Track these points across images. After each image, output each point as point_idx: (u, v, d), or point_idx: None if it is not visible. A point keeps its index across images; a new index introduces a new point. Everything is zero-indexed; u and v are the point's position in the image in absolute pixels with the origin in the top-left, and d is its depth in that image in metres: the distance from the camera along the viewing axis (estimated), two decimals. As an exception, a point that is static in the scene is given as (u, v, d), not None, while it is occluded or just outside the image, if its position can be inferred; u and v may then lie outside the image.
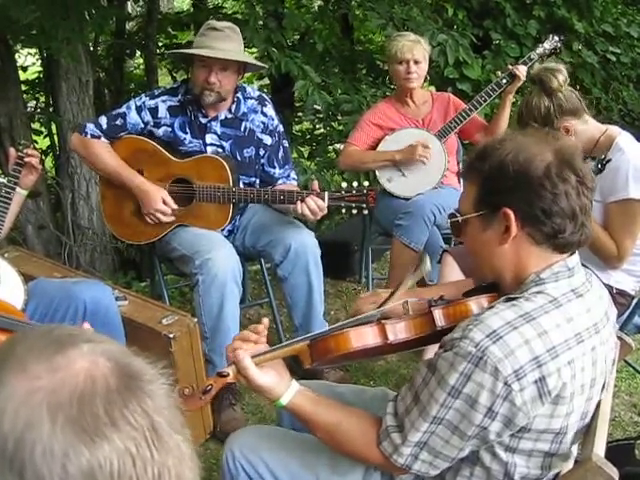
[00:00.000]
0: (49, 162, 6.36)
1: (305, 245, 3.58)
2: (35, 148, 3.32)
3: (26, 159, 3.09)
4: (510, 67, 4.30)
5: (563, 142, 1.78)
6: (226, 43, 3.49)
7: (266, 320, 2.00)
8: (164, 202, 3.55)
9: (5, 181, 3.08)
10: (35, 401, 0.76)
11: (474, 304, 1.85)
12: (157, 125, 3.63)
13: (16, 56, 5.70)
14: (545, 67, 3.32)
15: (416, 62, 4.28)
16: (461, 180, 4.58)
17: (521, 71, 4.22)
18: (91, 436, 0.75)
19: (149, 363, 0.88)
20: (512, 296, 1.72)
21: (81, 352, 0.83)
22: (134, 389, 0.81)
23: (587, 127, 3.17)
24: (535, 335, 1.61)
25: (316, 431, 1.90)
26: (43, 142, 6.19)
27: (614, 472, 1.63)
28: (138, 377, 0.83)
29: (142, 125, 3.63)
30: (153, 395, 0.83)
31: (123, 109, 3.64)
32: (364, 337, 1.86)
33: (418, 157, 4.21)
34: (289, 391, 1.88)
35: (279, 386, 1.87)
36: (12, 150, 3.12)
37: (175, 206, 3.57)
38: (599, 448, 1.73)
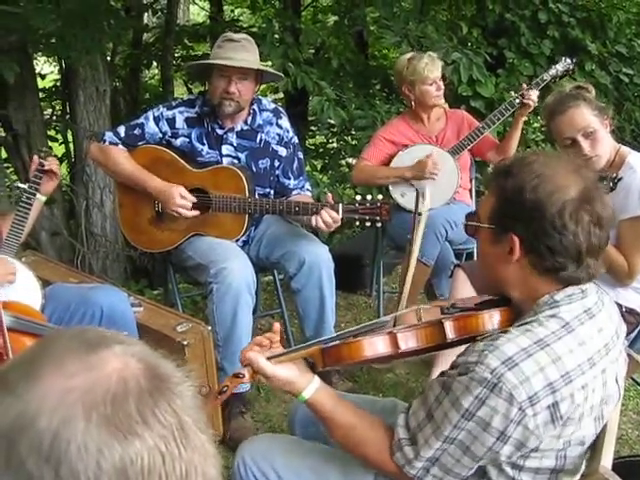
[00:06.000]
0: (64, 169, 6.37)
1: (319, 259, 3.60)
2: (55, 156, 3.37)
3: (46, 166, 3.14)
4: (524, 86, 4.33)
5: (592, 179, 1.78)
6: (243, 53, 3.54)
7: (277, 325, 2.03)
8: (182, 196, 3.55)
9: (26, 187, 3.12)
10: (71, 399, 0.78)
11: (486, 317, 1.86)
12: (175, 136, 3.67)
13: (34, 63, 5.76)
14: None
15: (440, 79, 4.35)
16: (473, 195, 4.63)
17: (532, 97, 4.26)
18: (124, 433, 0.77)
19: (177, 366, 0.91)
20: (526, 321, 1.74)
21: (114, 353, 0.85)
22: (164, 390, 0.84)
23: (609, 137, 3.21)
24: (549, 362, 1.63)
25: (333, 429, 1.92)
26: (58, 149, 6.24)
27: (621, 485, 1.66)
28: (167, 379, 0.86)
29: (160, 135, 3.67)
30: (182, 396, 0.85)
31: (141, 119, 3.69)
32: (376, 346, 1.89)
33: (428, 174, 4.24)
34: (311, 385, 1.90)
35: (300, 379, 1.90)
36: (35, 157, 3.16)
37: (194, 199, 3.57)
38: (606, 461, 1.75)
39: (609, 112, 3.24)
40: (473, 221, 1.91)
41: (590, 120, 3.12)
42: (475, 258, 4.20)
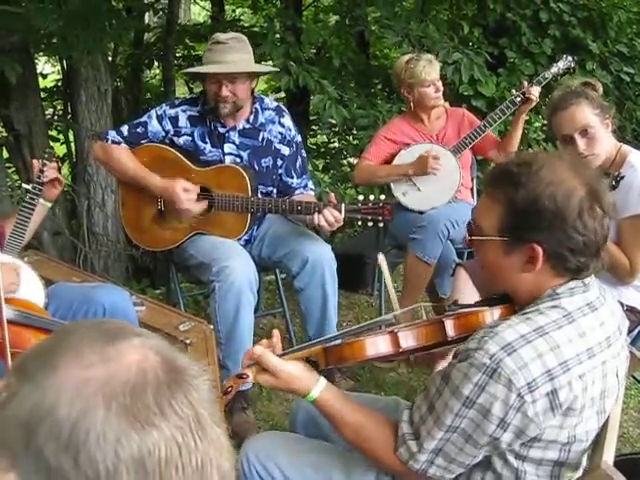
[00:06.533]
0: (65, 169, 6.38)
1: (322, 257, 3.61)
2: (57, 157, 3.36)
3: (45, 179, 3.13)
4: (525, 84, 4.34)
5: (590, 172, 1.80)
6: (231, 54, 3.53)
7: (276, 331, 2.03)
8: (185, 190, 3.54)
9: (29, 187, 3.12)
10: (90, 390, 0.80)
11: (487, 314, 1.88)
12: (178, 134, 3.68)
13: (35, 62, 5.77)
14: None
15: (438, 80, 4.35)
16: (475, 194, 4.62)
17: (534, 93, 4.27)
18: (142, 424, 0.79)
19: (193, 360, 0.92)
20: (527, 311, 1.75)
21: (132, 345, 0.86)
22: (181, 382, 0.85)
23: (609, 136, 3.22)
24: (548, 349, 1.64)
25: (341, 427, 1.93)
26: (60, 149, 6.24)
27: (623, 480, 1.66)
28: (184, 371, 0.87)
29: (163, 133, 3.68)
30: (198, 389, 0.87)
31: (144, 118, 3.70)
32: (377, 345, 1.91)
33: (430, 170, 4.24)
34: (319, 385, 1.91)
35: (308, 378, 1.91)
36: (34, 161, 3.16)
37: (197, 189, 3.57)
38: (608, 457, 1.75)
39: (611, 111, 3.24)
40: (474, 233, 1.88)
41: (589, 119, 3.13)
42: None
